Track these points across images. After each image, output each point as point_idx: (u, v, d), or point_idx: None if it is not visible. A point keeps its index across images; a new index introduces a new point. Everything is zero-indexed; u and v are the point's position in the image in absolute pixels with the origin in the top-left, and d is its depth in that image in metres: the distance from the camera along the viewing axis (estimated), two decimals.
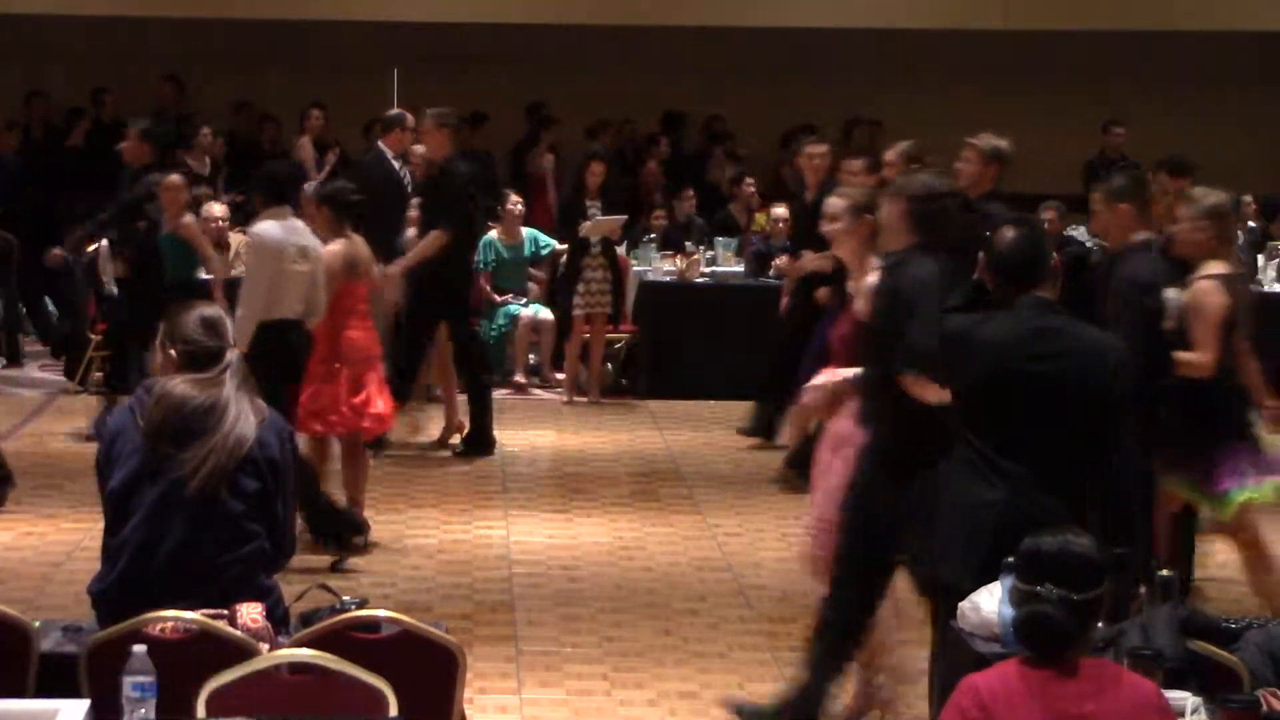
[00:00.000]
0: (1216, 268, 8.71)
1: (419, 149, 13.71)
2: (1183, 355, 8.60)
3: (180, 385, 5.99)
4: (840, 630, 7.45)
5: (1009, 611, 5.43)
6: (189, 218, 13.43)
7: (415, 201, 13.55)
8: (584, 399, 15.46)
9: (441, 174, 12.99)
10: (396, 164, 14.88)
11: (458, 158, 13.34)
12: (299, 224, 10.45)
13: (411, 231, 13.55)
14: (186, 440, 5.92)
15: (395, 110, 15.51)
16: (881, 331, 7.20)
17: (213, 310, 6.19)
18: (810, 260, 12.05)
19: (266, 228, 10.32)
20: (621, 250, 16.61)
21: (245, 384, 6.03)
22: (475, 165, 14.28)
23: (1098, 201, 9.14)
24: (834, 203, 7.93)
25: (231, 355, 6.05)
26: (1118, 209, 8.93)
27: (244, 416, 5.96)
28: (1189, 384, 8.59)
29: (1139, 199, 8.95)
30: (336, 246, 10.51)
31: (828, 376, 7.77)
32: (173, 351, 6.09)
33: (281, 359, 9.97)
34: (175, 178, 13.28)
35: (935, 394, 6.90)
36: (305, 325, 10.26)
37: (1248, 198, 17.99)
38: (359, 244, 10.70)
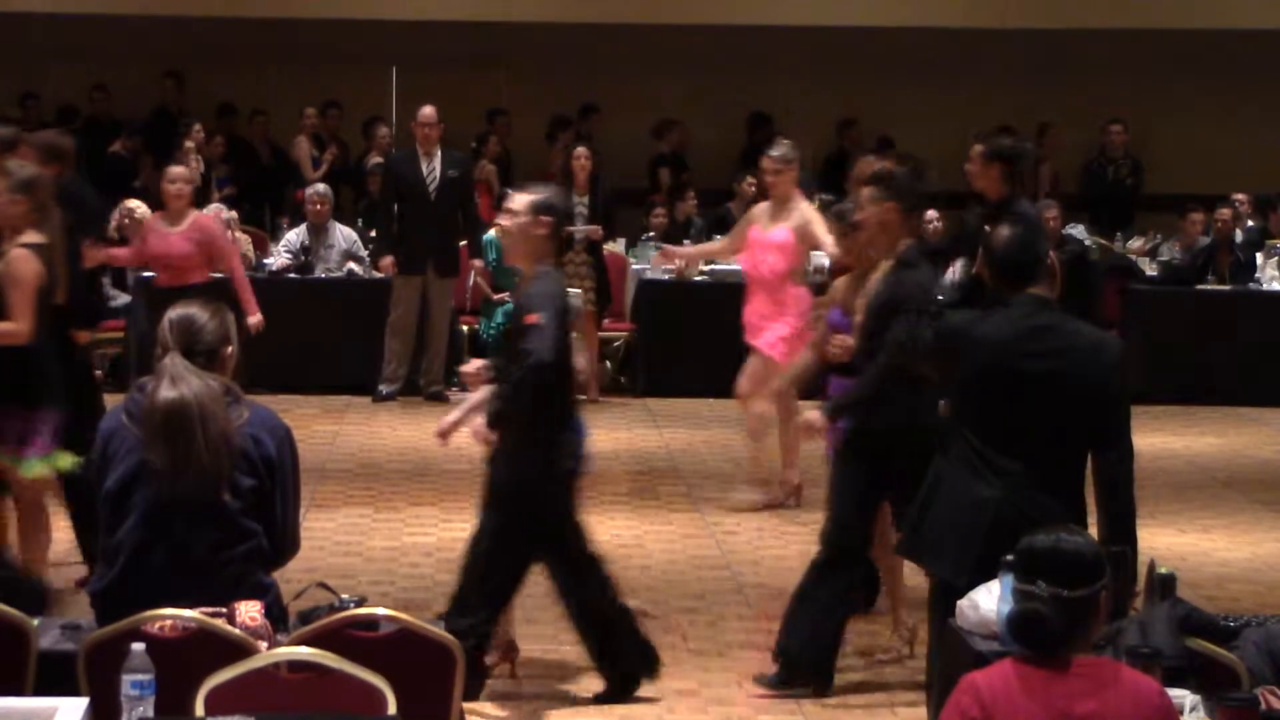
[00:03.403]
0: (32, 237, 8.98)
1: None
2: (1, 326, 8.86)
3: (150, 385, 5.97)
4: None
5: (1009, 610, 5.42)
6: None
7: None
8: (581, 396, 15.43)
9: None
10: (424, 161, 14.99)
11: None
12: None
13: None
14: (165, 439, 5.88)
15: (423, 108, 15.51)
16: None
17: (184, 311, 6.10)
18: None
19: None
20: (619, 248, 16.61)
21: (200, 380, 5.93)
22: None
23: None
24: None
25: (169, 358, 5.96)
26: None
27: (210, 415, 5.89)
28: (6, 351, 8.84)
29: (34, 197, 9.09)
30: None
31: None
32: (158, 350, 6.09)
33: None
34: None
35: None
36: None
37: (1240, 196, 17.97)
38: None
